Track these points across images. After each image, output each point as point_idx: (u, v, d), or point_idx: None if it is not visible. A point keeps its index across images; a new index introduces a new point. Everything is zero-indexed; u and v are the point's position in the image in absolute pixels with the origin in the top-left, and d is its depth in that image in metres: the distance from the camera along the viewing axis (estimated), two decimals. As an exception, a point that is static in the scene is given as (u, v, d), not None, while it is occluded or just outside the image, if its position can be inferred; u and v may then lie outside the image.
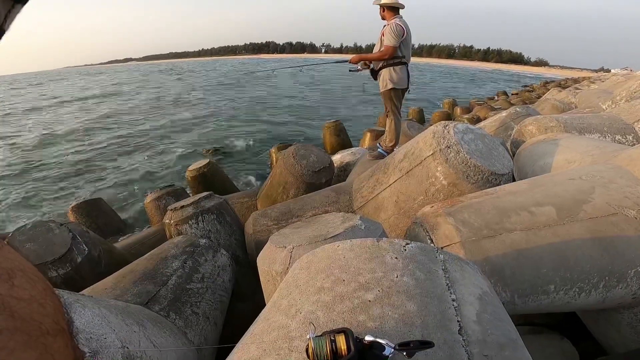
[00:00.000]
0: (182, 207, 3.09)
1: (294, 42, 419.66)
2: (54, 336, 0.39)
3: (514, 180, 2.67)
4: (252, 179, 10.01)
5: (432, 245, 1.75)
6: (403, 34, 4.12)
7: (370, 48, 4.67)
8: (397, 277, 0.98)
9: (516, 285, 1.68)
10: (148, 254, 2.56)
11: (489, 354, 0.82)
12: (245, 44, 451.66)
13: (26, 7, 0.48)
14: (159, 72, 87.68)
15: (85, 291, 2.06)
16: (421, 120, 13.70)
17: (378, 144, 4.73)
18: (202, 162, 6.34)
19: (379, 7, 4.31)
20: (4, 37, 0.46)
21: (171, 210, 3.12)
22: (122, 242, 4.34)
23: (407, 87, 4.47)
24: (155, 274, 2.21)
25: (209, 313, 2.20)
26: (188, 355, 1.82)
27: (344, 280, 0.99)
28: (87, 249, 2.69)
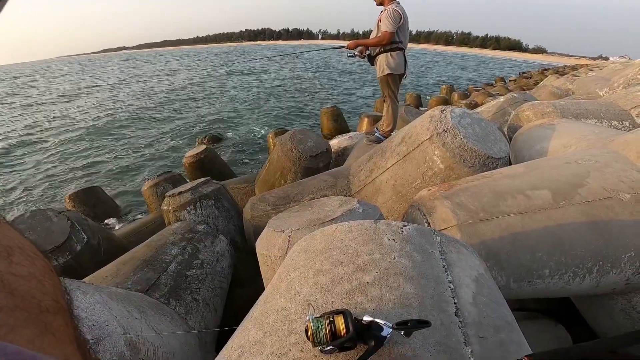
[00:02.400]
0: (180, 193, 3.09)
1: (290, 29, 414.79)
2: (54, 314, 0.39)
3: (510, 164, 2.68)
4: (249, 164, 10.02)
5: (429, 227, 1.76)
6: (400, 20, 4.10)
7: (367, 34, 4.64)
8: (394, 258, 0.99)
9: (512, 269, 1.69)
10: (147, 241, 2.56)
11: (485, 335, 0.83)
12: (241, 31, 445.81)
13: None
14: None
15: (85, 279, 2.07)
16: (418, 106, 13.67)
17: (375, 129, 4.73)
18: (200, 148, 6.33)
19: None
20: None
21: (169, 196, 3.12)
22: (120, 230, 4.35)
23: (404, 73, 4.45)
24: (155, 261, 2.21)
25: (209, 299, 2.21)
26: (189, 340, 1.84)
27: (342, 262, 1.00)
28: (86, 237, 2.69)
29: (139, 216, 6.44)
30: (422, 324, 0.73)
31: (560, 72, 29.52)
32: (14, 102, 26.77)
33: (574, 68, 33.95)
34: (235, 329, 1.01)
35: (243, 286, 2.78)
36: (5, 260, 0.37)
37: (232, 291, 2.61)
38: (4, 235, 0.40)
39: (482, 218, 1.75)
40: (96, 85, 34.84)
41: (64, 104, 24.39)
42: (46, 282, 0.41)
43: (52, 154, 12.59)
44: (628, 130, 3.22)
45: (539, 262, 1.69)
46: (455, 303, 0.89)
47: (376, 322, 0.73)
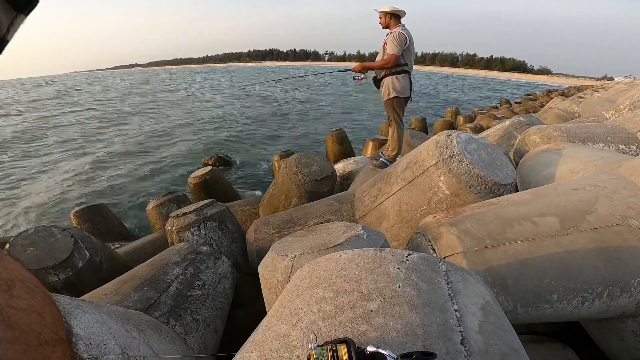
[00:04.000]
0: (184, 214, 3.09)
1: (297, 50, 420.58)
2: (53, 346, 0.39)
3: (517, 190, 2.67)
4: (254, 186, 10.01)
5: (434, 255, 1.74)
6: (406, 42, 4.13)
7: (373, 56, 4.68)
8: (399, 287, 0.97)
9: (519, 295, 1.67)
10: (149, 260, 2.56)
11: None
12: (249, 51, 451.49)
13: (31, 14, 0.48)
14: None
15: (85, 296, 2.07)
16: (424, 129, 13.69)
17: (380, 153, 4.71)
18: (205, 169, 6.34)
19: (379, 15, 4.31)
20: (7, 47, 0.46)
21: (173, 217, 3.12)
22: (123, 248, 4.34)
23: (410, 96, 4.46)
24: (156, 280, 2.21)
25: (209, 320, 2.19)
26: (188, 362, 1.82)
27: (346, 289, 0.99)
28: (88, 255, 2.69)
29: (143, 235, 6.44)
30: (427, 355, 0.71)
31: (565, 93, 29.62)
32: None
33: (579, 89, 34.02)
34: (235, 355, 0.99)
35: (244, 308, 2.76)
36: (6, 294, 0.37)
37: (233, 313, 2.58)
38: (4, 268, 0.40)
39: (488, 245, 1.74)
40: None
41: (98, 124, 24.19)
42: (46, 314, 0.41)
43: (64, 170, 12.68)
44: (635, 154, 3.21)
45: (547, 288, 1.67)
46: (461, 332, 0.88)
47: (380, 353, 0.71)
